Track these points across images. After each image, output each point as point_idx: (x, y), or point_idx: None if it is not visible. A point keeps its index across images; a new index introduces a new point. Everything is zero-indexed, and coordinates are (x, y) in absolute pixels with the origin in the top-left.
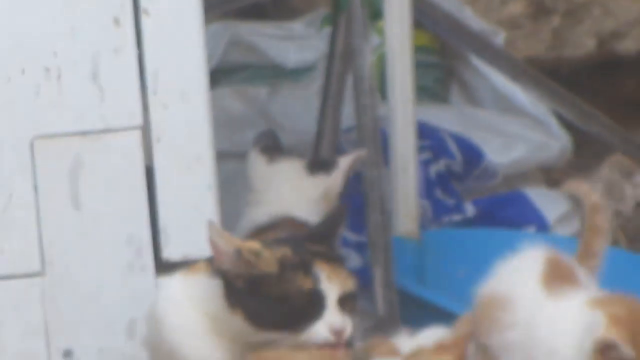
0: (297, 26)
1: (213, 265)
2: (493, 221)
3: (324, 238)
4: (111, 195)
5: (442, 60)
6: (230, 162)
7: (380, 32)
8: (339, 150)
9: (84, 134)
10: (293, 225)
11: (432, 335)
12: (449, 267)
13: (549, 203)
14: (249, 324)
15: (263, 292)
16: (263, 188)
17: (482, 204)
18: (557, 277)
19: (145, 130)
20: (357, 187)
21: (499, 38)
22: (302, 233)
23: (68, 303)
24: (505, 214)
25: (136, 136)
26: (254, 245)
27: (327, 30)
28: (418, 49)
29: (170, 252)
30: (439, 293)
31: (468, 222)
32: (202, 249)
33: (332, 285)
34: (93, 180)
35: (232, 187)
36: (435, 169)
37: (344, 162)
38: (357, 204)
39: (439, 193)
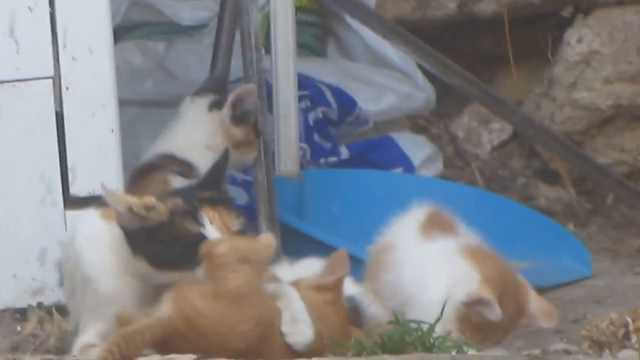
0: None
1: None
2: (365, 163)
3: (213, 183)
4: (25, 137)
5: (320, 19)
6: (131, 109)
7: None
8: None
9: (1, 83)
10: (175, 164)
11: (309, 265)
12: (326, 203)
13: (415, 147)
14: (152, 267)
15: (159, 238)
16: (171, 125)
17: (355, 148)
18: (435, 226)
19: (56, 80)
20: None
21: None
22: (195, 182)
23: None
24: (376, 156)
25: (47, 85)
26: (150, 200)
27: None
28: (299, 9)
29: (78, 189)
30: (316, 226)
31: (343, 164)
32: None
33: (216, 228)
34: (8, 124)
35: (133, 131)
36: (313, 115)
37: (230, 96)
38: None
39: (317, 137)
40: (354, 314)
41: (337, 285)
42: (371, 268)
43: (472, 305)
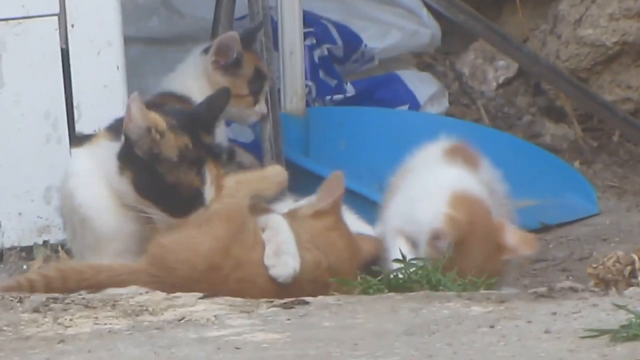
0: None
1: (116, 130)
2: (370, 100)
3: (211, 121)
4: (31, 75)
5: None
6: (135, 46)
7: None
8: None
9: (6, 20)
10: (175, 101)
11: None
12: (331, 141)
13: (420, 84)
14: (133, 188)
15: (159, 172)
16: (176, 66)
17: (360, 85)
18: (459, 156)
19: (61, 17)
20: None
21: None
22: (192, 113)
23: None
24: (381, 93)
25: (53, 23)
26: (161, 124)
27: None
28: None
29: (83, 126)
30: (321, 164)
31: (348, 101)
32: None
33: (213, 189)
34: (15, 62)
35: (138, 68)
36: (319, 53)
37: (214, 41)
38: None
39: (322, 74)
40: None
41: (334, 208)
42: (388, 196)
43: (433, 238)
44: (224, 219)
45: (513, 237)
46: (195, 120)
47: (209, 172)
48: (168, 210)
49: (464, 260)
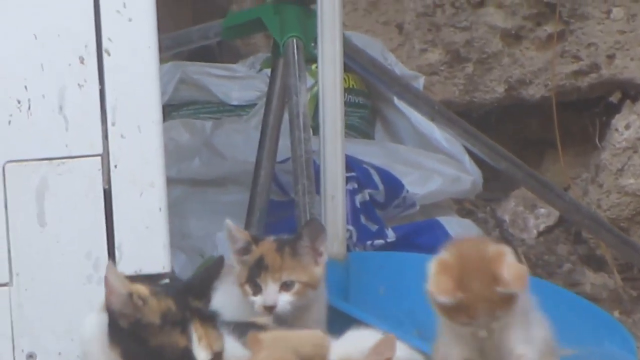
0: (239, 67)
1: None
2: (411, 246)
3: (203, 292)
4: (73, 214)
5: (368, 101)
6: (177, 187)
7: (314, 74)
8: (275, 179)
9: (50, 159)
10: None
11: (352, 337)
12: (372, 286)
13: (461, 231)
14: None
15: (142, 339)
16: None
17: (401, 230)
18: None
19: (104, 157)
20: (292, 212)
21: (419, 82)
22: (185, 284)
23: (32, 311)
24: (422, 239)
25: (96, 162)
26: (144, 291)
27: (266, 71)
28: (347, 90)
29: (124, 267)
30: (361, 308)
31: (389, 246)
32: (153, 265)
33: (203, 347)
34: (57, 201)
35: (179, 209)
36: (360, 197)
37: None
38: (292, 227)
39: (363, 219)
40: None
41: None
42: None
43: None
44: None
45: (509, 269)
46: (185, 287)
47: (196, 331)
48: None
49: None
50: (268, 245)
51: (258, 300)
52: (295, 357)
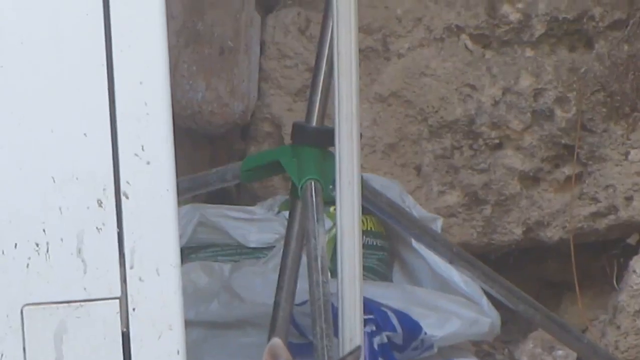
0: (257, 210)
1: None
2: None
3: None
4: (91, 357)
5: (386, 243)
6: (195, 330)
7: (332, 217)
8: (293, 322)
9: (68, 302)
10: None
11: None
12: None
13: None
14: None
15: None
16: None
17: None
18: None
19: (123, 300)
20: (310, 355)
21: (437, 224)
22: None
23: None
24: None
25: (114, 306)
26: None
27: (284, 213)
28: (365, 233)
29: None
30: None
31: None
32: None
33: None
34: (75, 344)
35: (197, 352)
36: (378, 340)
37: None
38: None
39: None
40: None
41: None
42: None
43: None
44: None
45: None
46: None
47: None
48: None
49: None
50: None
51: None
52: None
